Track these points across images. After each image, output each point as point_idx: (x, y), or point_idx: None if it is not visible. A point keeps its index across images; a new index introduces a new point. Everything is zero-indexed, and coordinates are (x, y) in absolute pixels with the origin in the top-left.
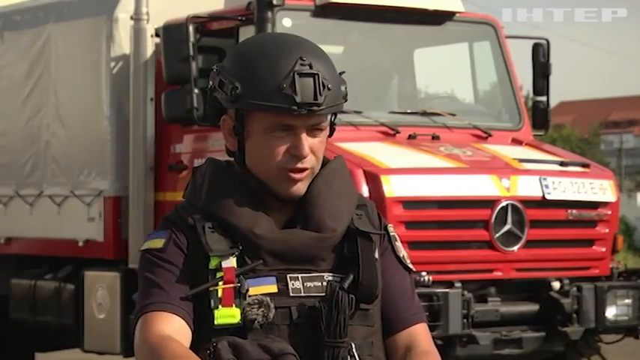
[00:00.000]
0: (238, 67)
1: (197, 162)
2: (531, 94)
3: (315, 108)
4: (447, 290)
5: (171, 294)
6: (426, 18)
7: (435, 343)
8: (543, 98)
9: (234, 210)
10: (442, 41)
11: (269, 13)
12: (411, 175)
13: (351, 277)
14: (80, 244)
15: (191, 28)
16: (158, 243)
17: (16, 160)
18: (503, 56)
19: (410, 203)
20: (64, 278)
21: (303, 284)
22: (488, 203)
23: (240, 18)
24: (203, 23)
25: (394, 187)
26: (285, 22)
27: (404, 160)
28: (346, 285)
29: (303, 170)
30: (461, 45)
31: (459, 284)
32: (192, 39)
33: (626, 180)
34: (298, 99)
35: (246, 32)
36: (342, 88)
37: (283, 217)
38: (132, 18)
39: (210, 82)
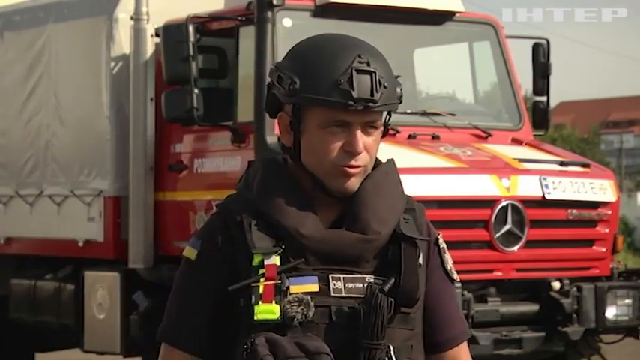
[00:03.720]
0: (296, 63)
1: (197, 162)
2: (531, 94)
3: (372, 104)
4: None
5: (190, 320)
6: (426, 18)
7: None
8: (543, 98)
9: (282, 208)
10: (442, 41)
11: (269, 13)
12: (411, 175)
13: (393, 280)
14: (80, 244)
15: (191, 28)
16: (192, 253)
17: (16, 160)
18: (504, 56)
19: None
20: (64, 278)
21: (344, 285)
22: (488, 203)
23: (240, 18)
24: (203, 23)
25: None
26: (285, 22)
27: (404, 160)
28: (386, 288)
29: (356, 167)
30: (461, 45)
31: (459, 284)
32: (192, 39)
33: (626, 180)
34: (355, 94)
35: (246, 32)
36: (398, 89)
37: (332, 216)
38: (132, 18)
39: (269, 79)
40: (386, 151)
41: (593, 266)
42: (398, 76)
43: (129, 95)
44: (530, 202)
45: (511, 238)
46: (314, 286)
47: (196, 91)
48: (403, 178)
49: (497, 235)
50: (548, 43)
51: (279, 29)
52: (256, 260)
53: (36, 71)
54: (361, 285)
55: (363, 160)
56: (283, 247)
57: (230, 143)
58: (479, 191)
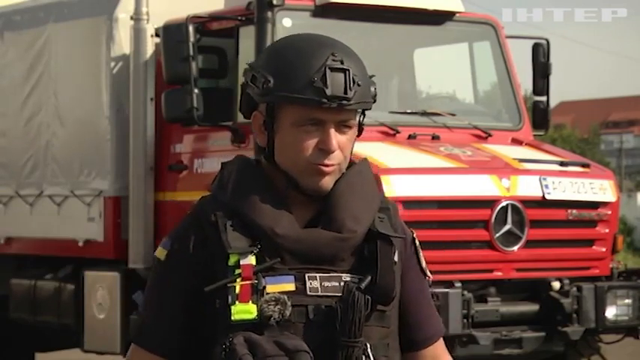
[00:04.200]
0: (270, 62)
1: (197, 162)
2: (531, 94)
3: (345, 102)
4: (447, 290)
5: (163, 322)
6: (426, 18)
7: None
8: (543, 98)
9: (257, 208)
10: (442, 41)
11: (269, 13)
12: (411, 175)
13: (369, 278)
14: (80, 244)
15: (191, 28)
16: (162, 254)
17: (16, 160)
18: (504, 56)
19: (410, 203)
20: (64, 278)
21: (321, 284)
22: (488, 203)
23: (240, 18)
24: (203, 23)
25: (394, 187)
26: (285, 22)
27: (404, 160)
28: (363, 286)
29: (330, 166)
30: (461, 45)
31: (458, 284)
32: (192, 39)
33: (626, 180)
34: (329, 92)
35: (246, 32)
36: (372, 88)
37: (307, 215)
38: (132, 18)
39: (244, 78)
40: (386, 151)
41: (593, 266)
42: (372, 76)
43: (129, 95)
44: (530, 202)
45: (511, 238)
46: (290, 286)
47: (196, 91)
48: (403, 178)
49: (497, 235)
50: (548, 43)
51: (279, 29)
52: (232, 260)
53: (36, 71)
54: (337, 284)
55: (336, 158)
56: (259, 246)
57: (230, 143)
58: (479, 191)
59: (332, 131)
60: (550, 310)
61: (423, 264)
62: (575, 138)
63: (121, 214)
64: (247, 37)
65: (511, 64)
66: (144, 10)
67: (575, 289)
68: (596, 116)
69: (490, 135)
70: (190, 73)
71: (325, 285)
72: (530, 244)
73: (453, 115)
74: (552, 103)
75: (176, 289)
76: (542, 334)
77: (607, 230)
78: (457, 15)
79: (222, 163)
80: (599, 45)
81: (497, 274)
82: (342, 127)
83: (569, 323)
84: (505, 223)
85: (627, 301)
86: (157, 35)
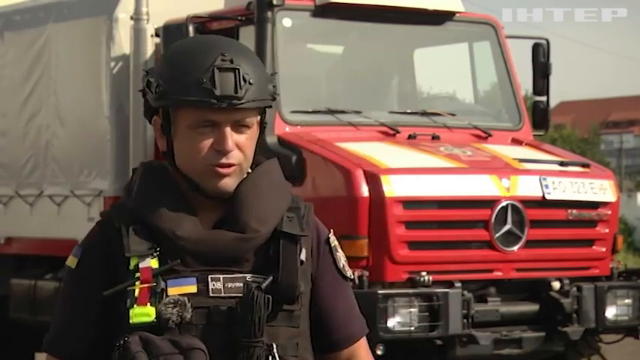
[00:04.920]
0: (163, 66)
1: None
2: (531, 94)
3: (236, 101)
4: (447, 290)
5: (71, 328)
6: (426, 18)
7: (434, 343)
8: (543, 98)
9: (159, 211)
10: (442, 41)
11: (269, 13)
12: (411, 175)
13: (270, 278)
14: None
15: (191, 28)
16: (73, 262)
17: (16, 160)
18: (503, 56)
19: (410, 203)
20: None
21: (224, 285)
22: (488, 203)
23: (240, 18)
24: (203, 23)
25: (394, 187)
26: (285, 22)
27: (404, 160)
28: (264, 285)
29: (229, 166)
30: (461, 45)
31: (458, 284)
32: None
33: (626, 180)
34: (217, 92)
35: (246, 32)
36: (270, 86)
37: (213, 218)
38: (132, 18)
39: (141, 85)
40: (386, 151)
41: (593, 266)
42: (274, 73)
43: (129, 95)
44: (530, 202)
45: (511, 238)
46: (192, 288)
47: None
48: (403, 178)
49: (497, 235)
50: (548, 43)
51: (279, 29)
52: (132, 264)
53: (36, 71)
54: (241, 284)
55: (235, 158)
56: (158, 249)
57: None
58: (479, 191)
59: (227, 130)
60: (550, 310)
61: (341, 264)
62: (575, 138)
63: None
64: (247, 37)
65: (511, 64)
66: (144, 10)
67: (575, 289)
68: (596, 116)
69: (490, 135)
70: None
71: (229, 286)
72: (530, 244)
73: (453, 115)
74: (552, 103)
75: (86, 296)
76: (542, 334)
77: (607, 230)
78: (457, 15)
79: (133, 169)
80: (599, 45)
81: (497, 274)
82: (238, 126)
83: (569, 323)
84: (505, 223)
85: (627, 301)
86: (157, 35)
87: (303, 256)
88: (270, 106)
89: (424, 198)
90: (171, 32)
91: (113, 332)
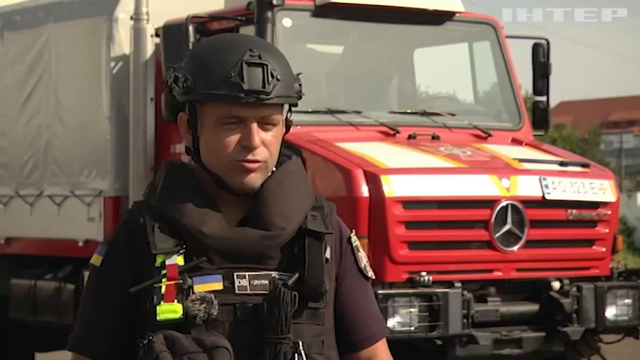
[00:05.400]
0: (191, 61)
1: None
2: (531, 94)
3: (264, 96)
4: (447, 290)
5: (95, 326)
6: (426, 18)
7: (434, 343)
8: (543, 98)
9: (183, 209)
10: (442, 41)
11: (269, 13)
12: (411, 175)
13: (297, 275)
14: (80, 244)
15: (191, 28)
16: (97, 260)
17: (16, 160)
18: (503, 56)
19: (410, 203)
20: (64, 278)
21: (249, 282)
22: (488, 203)
23: (240, 18)
24: (203, 23)
25: (394, 187)
26: (285, 22)
27: (404, 160)
28: (290, 282)
29: (255, 162)
30: (461, 45)
31: (458, 284)
32: (192, 39)
33: (626, 180)
34: (246, 87)
35: (246, 32)
36: (296, 84)
37: (238, 215)
38: (132, 18)
39: (167, 80)
40: (386, 151)
41: (593, 266)
42: (299, 74)
43: (129, 95)
44: (530, 202)
45: (511, 238)
46: (218, 285)
47: None
48: (403, 178)
49: (497, 235)
50: (548, 43)
51: (279, 29)
52: (158, 261)
53: (36, 71)
54: (267, 282)
55: (261, 154)
56: (184, 246)
57: None
58: (479, 191)
59: (254, 127)
60: (550, 310)
61: (362, 264)
62: (576, 138)
63: (121, 214)
64: None
65: (511, 64)
66: (144, 10)
67: (575, 289)
68: (596, 116)
69: (490, 135)
70: None
71: (254, 283)
72: (530, 244)
73: (453, 115)
74: (552, 103)
75: (111, 294)
76: (542, 334)
77: (607, 230)
78: (457, 15)
79: (152, 167)
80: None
81: (497, 274)
82: (265, 124)
83: (569, 323)
84: (505, 223)
85: (627, 301)
86: (156, 35)
87: (327, 254)
88: (296, 105)
89: (424, 198)
90: (171, 32)
91: (138, 329)
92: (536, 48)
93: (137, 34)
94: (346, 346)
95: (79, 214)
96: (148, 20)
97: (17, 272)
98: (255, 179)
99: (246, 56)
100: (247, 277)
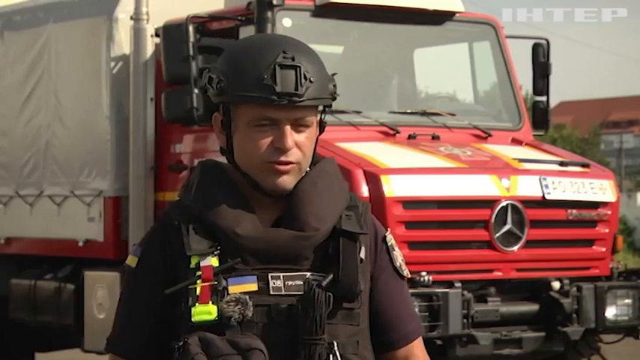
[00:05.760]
0: (225, 62)
1: (197, 162)
2: (531, 94)
3: (296, 99)
4: (447, 290)
5: (131, 327)
6: (426, 18)
7: (434, 343)
8: (543, 98)
9: (218, 210)
10: (442, 41)
11: (269, 13)
12: (411, 175)
13: (331, 275)
14: (80, 244)
15: (191, 28)
16: (133, 261)
17: (16, 160)
18: (503, 56)
19: (410, 203)
20: (64, 278)
21: (284, 283)
22: (488, 203)
23: (240, 18)
24: (203, 23)
25: (394, 187)
26: (285, 22)
27: (404, 160)
28: (325, 283)
29: (287, 164)
30: (461, 45)
31: (458, 284)
32: (192, 39)
33: (626, 180)
34: (278, 89)
35: (246, 32)
36: (330, 85)
37: (272, 216)
38: (132, 18)
39: (203, 81)
40: (386, 151)
41: (593, 266)
42: (334, 74)
43: (129, 95)
44: (530, 202)
45: (511, 238)
46: (253, 286)
47: (196, 91)
48: (403, 178)
49: (497, 235)
50: (548, 43)
51: (279, 29)
52: (193, 262)
53: (36, 71)
54: (301, 282)
55: (294, 156)
56: (219, 248)
57: None
58: (479, 191)
59: (287, 129)
60: (550, 310)
61: (397, 263)
62: (576, 138)
63: (121, 214)
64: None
65: (511, 64)
66: (144, 10)
67: (575, 289)
68: (596, 116)
69: (490, 135)
70: (190, 73)
71: (289, 284)
72: (530, 244)
73: (453, 115)
74: (552, 103)
75: (146, 295)
76: (542, 334)
77: (607, 230)
78: (457, 15)
79: (190, 168)
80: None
81: (497, 274)
82: (298, 125)
83: (569, 323)
84: (505, 223)
85: (627, 301)
86: (156, 35)
87: (362, 254)
88: (330, 106)
89: (424, 198)
90: (171, 32)
91: (174, 331)
92: (536, 48)
93: (137, 34)
94: (383, 345)
95: (79, 214)
96: (148, 20)
97: (17, 272)
98: (287, 181)
99: (279, 58)
100: (282, 277)
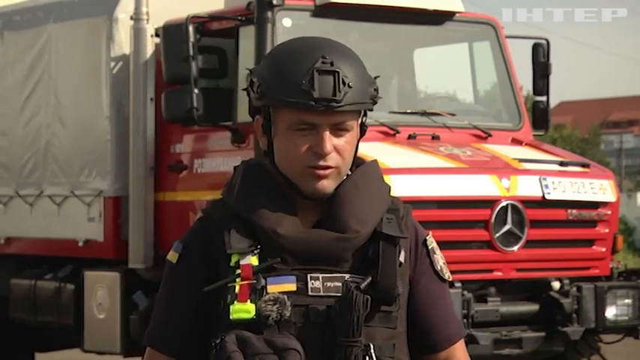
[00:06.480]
0: (266, 65)
1: (197, 162)
2: (531, 94)
3: (334, 104)
4: None
5: (170, 322)
6: (426, 18)
7: None
8: (543, 98)
9: (260, 209)
10: (442, 41)
11: (269, 13)
12: (411, 175)
13: (370, 278)
14: (80, 244)
15: (191, 28)
16: (174, 257)
17: (16, 160)
18: (503, 56)
19: (410, 203)
20: (64, 278)
21: (323, 284)
22: (488, 203)
23: (240, 18)
24: (203, 23)
25: (394, 187)
26: (285, 22)
27: (404, 160)
28: (363, 285)
29: (326, 168)
30: (461, 45)
31: (459, 284)
32: (192, 39)
33: (626, 180)
34: (316, 94)
35: (246, 32)
36: (371, 89)
37: (313, 217)
38: (132, 18)
39: (246, 84)
40: (386, 151)
41: (593, 266)
42: (377, 77)
43: (129, 95)
44: (530, 202)
45: (511, 238)
46: (291, 286)
47: (196, 91)
48: (403, 178)
49: (497, 235)
50: (548, 43)
51: (279, 29)
52: (233, 261)
53: (36, 71)
54: (340, 284)
55: (333, 161)
56: (259, 247)
57: (230, 143)
58: (479, 191)
59: (326, 134)
60: (550, 310)
61: (438, 266)
62: (576, 138)
63: (121, 214)
64: (247, 37)
65: (511, 64)
66: (144, 10)
67: (575, 289)
68: (596, 116)
69: (490, 135)
70: (190, 73)
71: (328, 285)
72: (530, 244)
73: (453, 115)
74: (552, 103)
75: (186, 291)
76: (542, 334)
77: (607, 230)
78: (457, 15)
79: (234, 167)
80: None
81: (497, 274)
82: (337, 130)
83: (569, 323)
84: (505, 223)
85: (627, 301)
86: (156, 35)
87: (401, 258)
88: (372, 109)
89: (424, 198)
90: (171, 32)
91: (212, 327)
92: (536, 48)
93: (137, 34)
94: (425, 348)
95: (79, 214)
96: (148, 20)
97: (17, 272)
98: (326, 185)
99: (318, 63)
100: (321, 278)
